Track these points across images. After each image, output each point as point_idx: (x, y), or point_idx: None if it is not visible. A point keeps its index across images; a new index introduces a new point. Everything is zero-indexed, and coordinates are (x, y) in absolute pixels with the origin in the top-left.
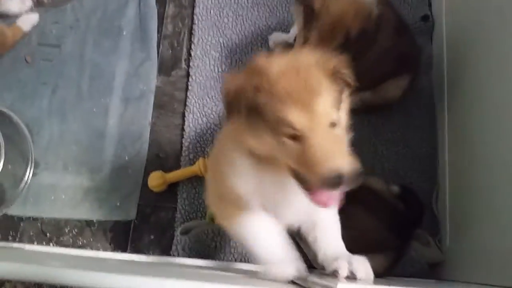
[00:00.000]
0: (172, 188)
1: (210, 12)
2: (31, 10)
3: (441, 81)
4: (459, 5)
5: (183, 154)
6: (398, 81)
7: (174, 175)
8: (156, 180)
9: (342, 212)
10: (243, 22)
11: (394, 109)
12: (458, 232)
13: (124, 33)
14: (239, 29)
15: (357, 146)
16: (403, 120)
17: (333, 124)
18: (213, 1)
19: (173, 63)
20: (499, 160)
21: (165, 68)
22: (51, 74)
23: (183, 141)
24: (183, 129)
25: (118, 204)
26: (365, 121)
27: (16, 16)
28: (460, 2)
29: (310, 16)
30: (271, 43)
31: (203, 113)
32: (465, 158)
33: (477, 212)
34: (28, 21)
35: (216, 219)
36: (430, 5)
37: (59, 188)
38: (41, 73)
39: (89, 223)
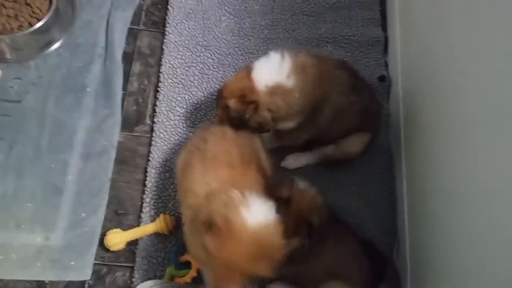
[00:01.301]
0: (130, 246)
1: (177, 70)
2: None
3: (398, 137)
4: (413, 66)
5: (144, 210)
6: (360, 137)
7: (133, 233)
8: (113, 238)
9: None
10: (209, 80)
11: (354, 163)
12: (420, 285)
13: (88, 89)
14: (204, 87)
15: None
16: (363, 174)
17: None
18: (179, 61)
19: (137, 119)
20: (456, 211)
21: (128, 124)
22: (9, 130)
23: (144, 197)
24: (144, 185)
25: (72, 263)
26: (327, 174)
27: None
28: (414, 64)
29: None
30: None
31: (166, 168)
32: (423, 210)
33: (437, 264)
34: None
35: (176, 278)
36: (386, 66)
37: (10, 248)
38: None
39: (40, 284)
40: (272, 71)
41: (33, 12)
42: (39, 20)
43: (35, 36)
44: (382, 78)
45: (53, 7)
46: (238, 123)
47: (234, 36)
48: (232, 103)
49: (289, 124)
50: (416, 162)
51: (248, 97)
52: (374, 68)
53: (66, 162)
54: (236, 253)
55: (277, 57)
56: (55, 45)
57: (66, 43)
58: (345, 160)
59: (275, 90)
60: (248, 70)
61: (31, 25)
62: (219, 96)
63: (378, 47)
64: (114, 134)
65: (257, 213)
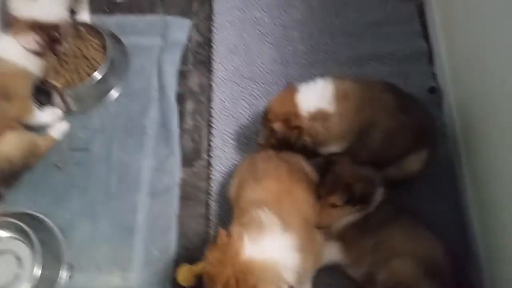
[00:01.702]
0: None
1: (226, 104)
2: (61, 118)
3: (457, 148)
4: (463, 73)
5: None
6: (417, 155)
7: (202, 267)
8: (184, 273)
9: None
10: (258, 110)
11: (416, 179)
12: None
13: (148, 131)
14: (254, 118)
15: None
16: (426, 189)
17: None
18: (228, 95)
19: (195, 154)
20: None
21: (188, 160)
22: (81, 177)
23: (209, 230)
24: (208, 218)
25: None
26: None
27: (48, 126)
28: (463, 70)
29: None
30: None
31: (226, 200)
32: (495, 222)
33: None
34: (59, 129)
35: None
36: (435, 77)
37: None
38: (71, 176)
39: None
40: (315, 97)
41: (91, 64)
42: (96, 71)
43: (95, 86)
44: (432, 90)
45: (108, 58)
46: (285, 144)
47: (277, 65)
48: (277, 126)
49: (331, 149)
50: (480, 171)
51: (292, 122)
52: (422, 80)
53: (135, 202)
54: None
55: (321, 84)
56: (114, 93)
57: (123, 90)
58: (405, 179)
59: (316, 116)
60: (291, 91)
61: (90, 76)
62: (265, 117)
63: (423, 59)
64: (176, 172)
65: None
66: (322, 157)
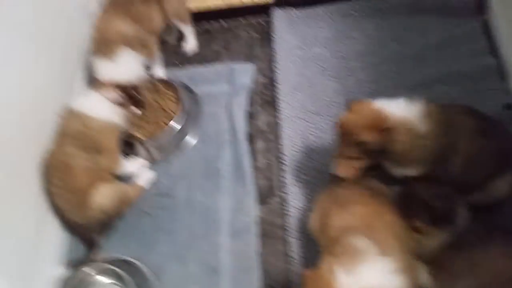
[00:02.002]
0: None
1: (295, 140)
2: (146, 167)
3: None
4: None
5: (294, 281)
6: (504, 178)
7: None
8: None
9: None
10: (326, 143)
11: (505, 204)
12: None
13: (224, 173)
14: (323, 151)
15: None
16: None
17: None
18: (296, 131)
19: (269, 192)
20: None
21: (263, 198)
22: (167, 221)
23: (291, 268)
24: (289, 255)
25: None
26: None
27: (135, 175)
28: None
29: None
30: None
31: (305, 235)
32: None
33: None
34: (145, 178)
35: None
36: (508, 93)
37: None
38: (159, 221)
39: None
40: (400, 110)
41: (168, 115)
42: (174, 121)
43: (174, 135)
44: (509, 106)
45: (183, 107)
46: (378, 155)
47: (341, 96)
48: (367, 136)
49: (409, 171)
50: None
51: (380, 126)
52: (495, 98)
53: (218, 243)
54: None
55: (404, 100)
56: (190, 140)
57: (198, 135)
58: (494, 203)
59: (402, 128)
60: (364, 104)
61: (169, 126)
62: (346, 136)
63: (494, 76)
64: (253, 210)
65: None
66: (397, 181)
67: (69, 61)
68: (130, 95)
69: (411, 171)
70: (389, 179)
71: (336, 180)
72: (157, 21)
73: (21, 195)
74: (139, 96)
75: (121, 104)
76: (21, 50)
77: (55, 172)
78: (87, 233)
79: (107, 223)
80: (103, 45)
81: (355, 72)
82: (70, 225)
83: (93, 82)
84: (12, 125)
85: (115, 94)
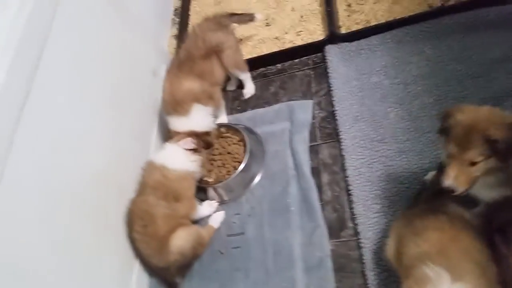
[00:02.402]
0: None
1: (361, 170)
2: (217, 209)
3: None
4: None
5: None
6: None
7: None
8: None
9: None
10: (394, 170)
11: None
12: None
13: (292, 208)
14: (392, 178)
15: None
16: None
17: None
18: (361, 161)
19: (340, 224)
20: None
21: (334, 231)
22: (242, 260)
23: None
24: None
25: None
26: None
27: (207, 217)
28: None
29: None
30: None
31: (383, 267)
32: None
33: None
34: (217, 219)
35: None
36: None
37: None
38: (233, 260)
39: None
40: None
41: (234, 158)
42: (240, 162)
43: (241, 176)
44: None
45: (248, 149)
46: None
47: (405, 121)
48: (495, 132)
49: (492, 194)
50: None
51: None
52: None
53: (293, 279)
54: None
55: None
56: (256, 179)
57: (264, 174)
58: None
59: None
60: (474, 107)
61: (235, 168)
62: (468, 135)
63: None
64: (325, 244)
65: None
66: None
67: (145, 120)
68: (203, 140)
69: (495, 194)
70: (469, 202)
71: (446, 194)
72: (218, 73)
73: (109, 242)
74: (210, 140)
75: (195, 150)
76: (105, 117)
77: (138, 219)
78: (168, 276)
79: (185, 265)
80: (176, 104)
81: (418, 96)
82: (152, 269)
83: (168, 135)
84: (100, 181)
85: (190, 141)
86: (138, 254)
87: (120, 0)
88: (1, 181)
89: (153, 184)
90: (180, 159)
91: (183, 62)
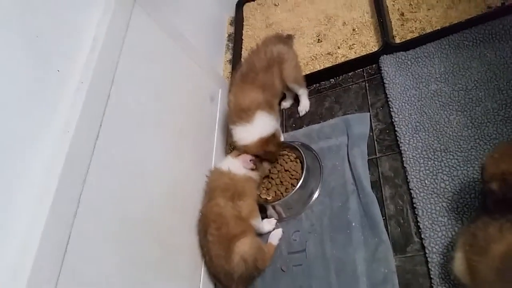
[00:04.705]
0: None
1: (425, 182)
2: (276, 226)
3: None
4: None
5: None
6: None
7: None
8: None
9: None
10: (460, 181)
11: None
12: None
13: (354, 224)
14: (458, 189)
15: None
16: None
17: None
18: (424, 172)
19: (405, 239)
20: None
21: (399, 246)
22: (304, 277)
23: None
24: None
25: None
26: None
27: (267, 234)
28: None
29: None
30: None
31: (450, 283)
32: None
33: None
34: (276, 236)
35: None
36: None
37: None
38: (295, 278)
39: None
40: None
41: (291, 175)
42: (297, 180)
43: (299, 193)
44: None
45: (305, 166)
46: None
47: (469, 129)
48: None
49: None
50: None
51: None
52: None
53: None
54: None
55: None
56: (315, 195)
57: (322, 190)
58: None
59: None
60: None
61: (293, 186)
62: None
63: None
64: (390, 260)
65: None
66: None
67: (204, 144)
68: (265, 151)
69: None
70: None
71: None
72: (278, 86)
73: (175, 262)
74: (273, 150)
75: (252, 165)
76: (172, 145)
77: (212, 223)
78: (231, 284)
79: (247, 277)
80: (241, 112)
81: (481, 101)
82: (217, 276)
83: (229, 148)
84: (167, 203)
85: (248, 160)
86: (208, 258)
87: (177, 31)
88: (81, 205)
89: (222, 186)
90: (241, 169)
91: (245, 74)
